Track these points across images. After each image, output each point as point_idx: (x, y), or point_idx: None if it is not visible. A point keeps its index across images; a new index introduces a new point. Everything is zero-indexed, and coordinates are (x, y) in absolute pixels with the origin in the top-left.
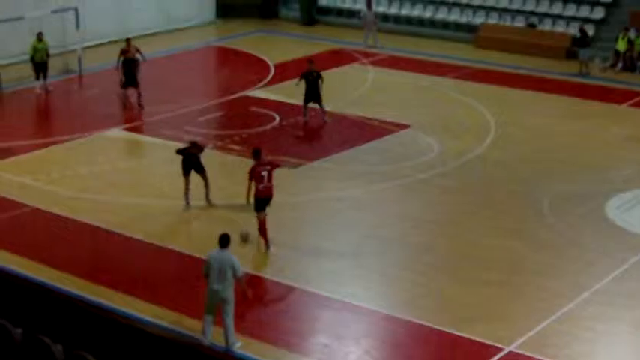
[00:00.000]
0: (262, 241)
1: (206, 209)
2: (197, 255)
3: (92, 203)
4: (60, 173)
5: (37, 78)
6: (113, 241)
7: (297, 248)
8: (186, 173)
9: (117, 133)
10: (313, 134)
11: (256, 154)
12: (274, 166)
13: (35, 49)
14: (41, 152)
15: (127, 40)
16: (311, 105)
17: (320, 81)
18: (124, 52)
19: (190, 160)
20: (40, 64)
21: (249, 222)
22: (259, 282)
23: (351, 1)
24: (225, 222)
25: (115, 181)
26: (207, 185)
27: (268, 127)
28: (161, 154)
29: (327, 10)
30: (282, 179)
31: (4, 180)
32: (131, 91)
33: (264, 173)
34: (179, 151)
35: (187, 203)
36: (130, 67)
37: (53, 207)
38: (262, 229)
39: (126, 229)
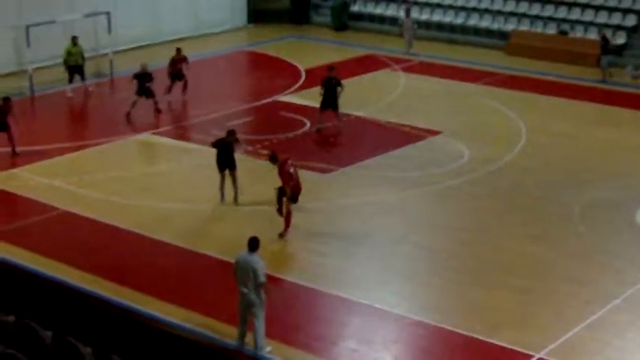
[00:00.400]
0: (284, 227)
1: (236, 212)
2: (226, 258)
3: (122, 207)
4: (91, 176)
5: (70, 81)
6: (143, 245)
7: (327, 253)
8: (221, 169)
9: (147, 137)
10: (344, 140)
11: (273, 158)
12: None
13: (69, 53)
14: (72, 155)
15: (178, 50)
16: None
17: (339, 88)
18: (174, 62)
19: (225, 151)
20: (74, 68)
21: (277, 225)
22: (289, 286)
23: (382, 7)
24: (253, 225)
25: (145, 185)
26: (235, 185)
27: (299, 132)
28: (191, 158)
29: (359, 16)
30: (314, 184)
31: (35, 183)
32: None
33: (292, 170)
34: (215, 144)
35: (222, 198)
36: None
37: (83, 210)
38: (288, 218)
39: (155, 232)
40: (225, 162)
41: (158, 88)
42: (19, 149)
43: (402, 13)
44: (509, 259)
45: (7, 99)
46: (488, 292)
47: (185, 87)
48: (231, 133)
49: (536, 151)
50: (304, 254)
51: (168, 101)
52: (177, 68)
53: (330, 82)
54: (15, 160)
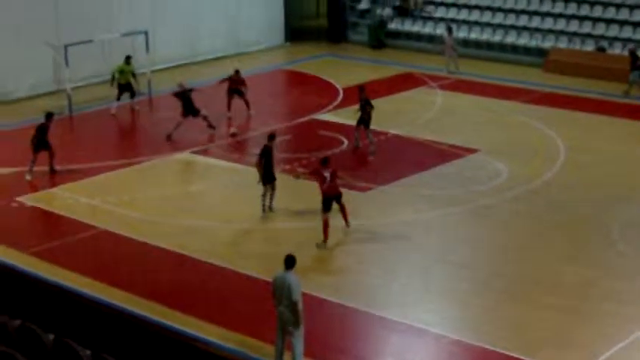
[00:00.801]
0: (323, 238)
1: (274, 231)
2: (263, 277)
3: (161, 226)
4: (129, 195)
5: (118, 99)
6: (182, 263)
7: (365, 272)
8: (266, 181)
9: (186, 156)
10: (382, 158)
11: (324, 162)
12: (335, 171)
13: (121, 71)
14: (111, 174)
15: (237, 72)
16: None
17: (368, 108)
18: (232, 82)
19: (268, 157)
20: (124, 86)
21: (314, 243)
22: (328, 305)
23: (419, 25)
24: (291, 243)
25: (184, 204)
26: (273, 195)
27: (337, 150)
28: (230, 177)
29: (396, 34)
30: (353, 202)
31: (74, 202)
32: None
33: (327, 174)
34: (262, 154)
35: (263, 209)
36: (233, 94)
37: (122, 229)
38: (325, 228)
39: (193, 251)
40: (269, 173)
41: (208, 106)
42: (58, 167)
43: (442, 31)
44: (549, 278)
45: (50, 115)
46: (528, 311)
47: (248, 106)
48: (272, 136)
49: (575, 168)
50: (342, 272)
51: (228, 117)
52: (235, 88)
53: (360, 102)
54: (54, 178)
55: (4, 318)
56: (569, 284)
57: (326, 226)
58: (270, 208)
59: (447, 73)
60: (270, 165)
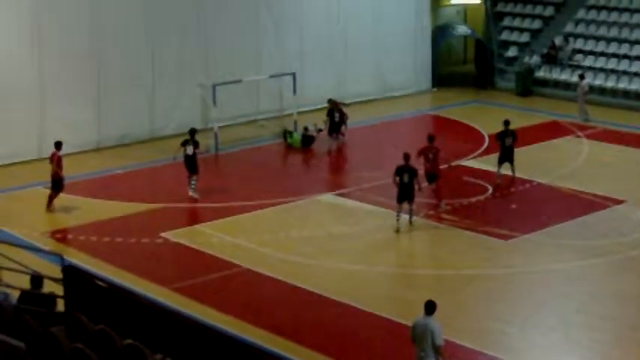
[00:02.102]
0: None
1: (417, 277)
2: (403, 321)
3: (303, 266)
4: (272, 235)
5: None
6: (321, 305)
7: (507, 321)
8: (400, 200)
9: (329, 197)
10: (526, 206)
11: (430, 139)
12: (439, 151)
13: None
14: (255, 213)
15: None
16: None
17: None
18: (334, 107)
19: (410, 178)
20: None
21: (457, 291)
22: (465, 352)
23: (567, 73)
24: (433, 290)
25: (326, 246)
26: (412, 210)
27: (481, 197)
28: (373, 220)
29: (544, 82)
30: (495, 250)
31: (219, 239)
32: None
33: (431, 155)
34: (397, 171)
35: (398, 215)
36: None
37: (265, 268)
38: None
39: (335, 293)
40: (406, 193)
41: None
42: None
43: (576, 78)
44: None
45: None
46: None
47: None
48: (407, 156)
49: None
50: (483, 320)
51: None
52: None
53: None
54: (198, 216)
55: (146, 351)
56: None
57: (437, 192)
58: (410, 222)
59: (580, 120)
60: (403, 184)
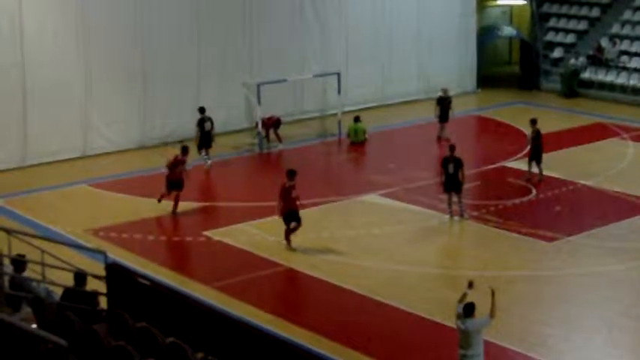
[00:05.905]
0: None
1: (459, 278)
2: (447, 323)
3: (346, 266)
4: (316, 234)
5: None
6: (363, 306)
7: (550, 323)
8: (447, 189)
9: (373, 197)
10: (570, 208)
11: (451, 148)
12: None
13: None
14: (300, 212)
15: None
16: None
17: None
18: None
19: (455, 168)
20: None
21: (501, 291)
22: (509, 354)
23: (613, 75)
24: (475, 291)
25: (369, 246)
26: (461, 202)
27: (525, 199)
28: (417, 221)
29: (589, 84)
30: (539, 253)
31: (261, 238)
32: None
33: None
34: (443, 162)
35: (450, 215)
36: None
37: (307, 268)
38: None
39: (378, 294)
40: (452, 183)
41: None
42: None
43: (635, 82)
44: None
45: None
46: None
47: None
48: (452, 147)
49: None
50: (527, 322)
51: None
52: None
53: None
54: (241, 215)
55: (188, 349)
56: None
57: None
58: (462, 215)
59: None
60: (449, 175)
